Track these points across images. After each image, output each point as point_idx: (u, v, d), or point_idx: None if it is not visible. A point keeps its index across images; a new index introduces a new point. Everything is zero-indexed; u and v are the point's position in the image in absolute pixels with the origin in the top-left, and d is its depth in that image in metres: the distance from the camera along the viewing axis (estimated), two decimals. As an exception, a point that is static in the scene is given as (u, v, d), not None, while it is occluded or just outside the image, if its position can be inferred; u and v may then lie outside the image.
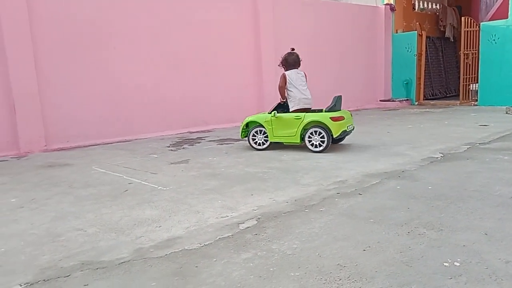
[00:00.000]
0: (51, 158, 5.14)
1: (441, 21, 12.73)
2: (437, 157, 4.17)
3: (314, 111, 4.95)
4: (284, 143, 5.04)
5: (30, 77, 5.62)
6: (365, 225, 2.41)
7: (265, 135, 4.97)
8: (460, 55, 10.22)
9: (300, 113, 4.82)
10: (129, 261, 2.05)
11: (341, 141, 5.10)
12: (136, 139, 6.49)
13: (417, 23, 11.14)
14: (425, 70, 11.06)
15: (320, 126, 4.64)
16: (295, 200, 2.93)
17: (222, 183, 3.51)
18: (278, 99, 5.17)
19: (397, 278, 1.77)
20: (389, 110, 9.82)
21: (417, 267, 1.86)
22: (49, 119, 5.84)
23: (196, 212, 2.77)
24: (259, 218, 2.59)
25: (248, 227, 2.45)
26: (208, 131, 7.23)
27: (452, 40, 12.87)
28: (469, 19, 9.89)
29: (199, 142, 5.96)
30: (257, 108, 8.34)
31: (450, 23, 12.72)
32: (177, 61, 7.13)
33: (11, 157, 5.35)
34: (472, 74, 10.04)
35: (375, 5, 10.78)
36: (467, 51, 9.88)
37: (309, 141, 4.72)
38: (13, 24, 5.45)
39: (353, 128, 5.05)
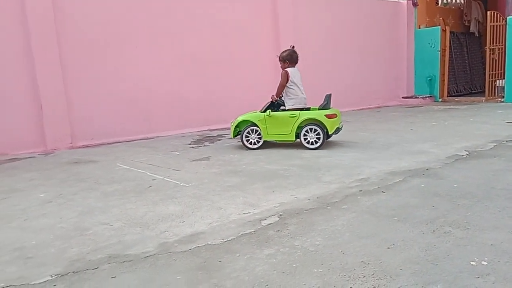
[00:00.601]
0: (76, 155, 5.27)
1: (466, 15, 12.40)
2: (463, 155, 4.08)
3: (302, 109, 4.92)
4: (277, 141, 5.05)
5: (56, 77, 5.78)
6: (388, 223, 2.38)
7: (258, 134, 4.92)
8: (485, 50, 9.94)
9: (294, 111, 4.84)
10: (154, 255, 2.09)
11: (329, 138, 5.00)
12: (158, 137, 6.59)
13: (441, 18, 10.90)
14: (449, 66, 10.81)
15: (315, 124, 4.73)
16: (317, 198, 2.92)
17: (244, 180, 3.53)
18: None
19: (422, 276, 1.74)
20: (412, 107, 9.65)
21: (443, 265, 1.83)
22: (74, 118, 6.00)
23: (218, 208, 2.80)
24: (281, 215, 2.60)
25: (270, 224, 2.46)
26: (228, 128, 7.26)
27: (477, 35, 12.53)
28: (495, 13, 9.61)
29: (219, 140, 6.01)
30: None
31: (475, 18, 12.38)
32: (197, 60, 7.19)
33: (39, 154, 5.51)
34: (498, 70, 9.76)
35: (397, 0, 10.60)
36: (493, 46, 9.61)
37: (305, 139, 4.76)
38: (39, 26, 5.61)
39: (343, 126, 5.09)
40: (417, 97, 10.59)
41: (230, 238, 2.26)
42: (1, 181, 3.94)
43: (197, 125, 7.21)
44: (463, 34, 12.19)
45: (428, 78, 10.66)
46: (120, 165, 4.46)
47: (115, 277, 1.88)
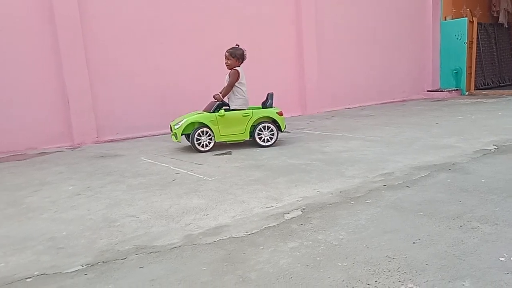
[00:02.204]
0: (102, 149, 5.41)
1: (494, 6, 11.99)
2: (491, 150, 3.97)
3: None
4: (227, 142, 4.95)
5: (82, 73, 5.92)
6: (414, 218, 2.35)
7: (208, 135, 4.71)
8: (515, 41, 9.59)
9: (247, 110, 4.83)
10: (180, 246, 2.14)
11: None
12: (181, 131, 6.66)
13: (468, 9, 10.57)
14: (476, 58, 10.49)
15: (269, 121, 4.82)
16: (340, 192, 2.91)
17: (266, 174, 3.54)
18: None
19: (449, 272, 1.72)
20: (437, 100, 9.42)
21: (470, 261, 1.80)
22: (100, 113, 6.14)
23: (241, 202, 2.83)
24: (303, 209, 2.60)
25: (293, 217, 2.47)
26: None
27: (507, 27, 12.10)
28: (526, 3, 9.24)
29: (241, 134, 6.03)
30: (300, 101, 8.31)
31: (505, 8, 11.95)
32: (221, 55, 7.21)
33: (66, 148, 5.68)
34: (529, 62, 9.40)
35: (422, -8, 10.34)
36: (523, 37, 9.25)
37: (259, 137, 4.79)
38: (66, 23, 5.75)
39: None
40: (442, 91, 10.33)
41: (253, 231, 2.28)
42: (32, 175, 4.09)
43: (219, 120, 7.25)
44: (492, 25, 11.78)
45: (454, 71, 10.38)
46: (145, 159, 4.55)
47: (142, 267, 1.93)
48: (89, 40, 6.00)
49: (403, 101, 9.92)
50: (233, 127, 4.76)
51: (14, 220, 2.74)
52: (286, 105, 8.14)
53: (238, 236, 2.23)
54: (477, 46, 10.55)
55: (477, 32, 10.49)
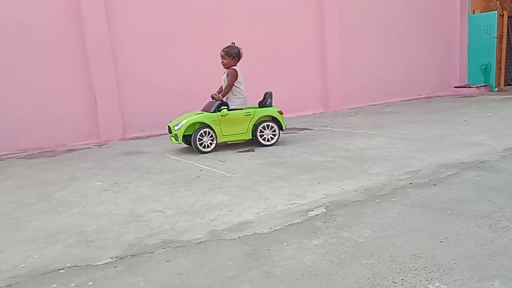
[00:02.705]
0: (128, 146, 5.53)
1: (527, -2, 11.52)
2: (522, 147, 3.84)
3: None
4: (228, 142, 4.85)
5: (109, 72, 6.07)
6: (441, 216, 2.31)
7: (210, 136, 4.59)
8: (549, 35, 9.22)
9: (249, 109, 4.78)
10: (205, 241, 2.17)
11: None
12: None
13: (498, 2, 10.21)
14: (506, 53, 10.14)
15: (271, 120, 4.79)
16: (365, 190, 2.88)
17: (289, 171, 3.54)
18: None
19: (478, 271, 1.69)
20: (465, 97, 9.17)
21: (500, 260, 1.76)
22: (126, 111, 6.28)
23: (265, 198, 2.84)
24: (327, 206, 2.59)
25: (317, 215, 2.46)
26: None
27: (540, 19, 11.61)
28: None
29: (264, 132, 6.04)
30: (322, 98, 8.25)
31: (538, 0, 11.47)
32: (245, 52, 7.23)
33: (93, 145, 5.84)
34: None
35: (449, -15, 10.07)
36: (558, 30, 8.89)
37: (261, 136, 4.75)
38: (93, 23, 5.91)
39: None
40: (470, 87, 10.04)
41: (277, 228, 2.29)
42: (61, 170, 4.23)
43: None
44: (523, 19, 11.35)
45: (483, 66, 10.07)
46: (169, 156, 4.63)
47: (169, 261, 1.97)
48: (115, 40, 6.13)
49: (429, 97, 9.70)
50: (235, 126, 4.69)
51: (45, 214, 2.84)
52: (308, 103, 8.12)
53: (262, 232, 2.25)
54: (507, 40, 10.20)
55: (508, 26, 10.13)
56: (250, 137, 4.80)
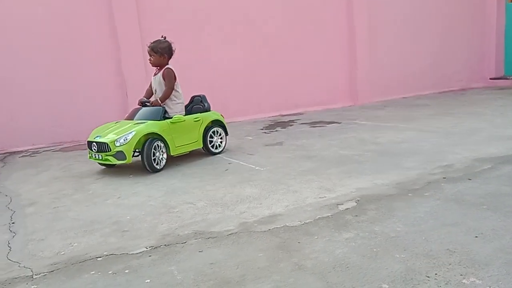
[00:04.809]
0: (158, 140, 5.64)
1: None
2: None
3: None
4: (175, 155, 3.96)
5: (140, 67, 6.19)
6: (476, 211, 2.25)
7: (161, 149, 3.76)
8: None
9: (198, 114, 4.15)
10: (236, 233, 2.20)
11: None
12: (231, 122, 6.77)
13: (538, -12, 9.71)
14: (546, 43, 9.65)
15: (218, 126, 4.30)
16: (396, 184, 2.84)
17: (318, 165, 3.53)
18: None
19: (516, 268, 1.64)
20: (501, 89, 8.80)
21: (541, 258, 1.70)
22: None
23: (294, 191, 2.85)
24: (358, 200, 2.57)
25: (347, 209, 2.45)
26: (300, 113, 7.26)
27: None
28: None
29: (291, 125, 6.03)
30: (350, 91, 8.13)
31: None
32: (269, 45, 7.24)
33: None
34: None
35: (485, -28, 9.65)
36: None
37: (211, 143, 4.21)
38: (124, 19, 6.05)
39: None
40: (507, 78, 9.61)
41: (307, 221, 2.30)
42: (95, 163, 4.34)
43: (269, 110, 7.29)
44: None
45: (521, 57, 9.62)
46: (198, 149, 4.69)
47: (202, 251, 2.02)
48: (146, 35, 6.24)
49: (463, 90, 9.37)
50: (187, 135, 3.98)
51: (82, 204, 2.96)
52: (336, 95, 8.02)
53: (292, 225, 2.26)
54: (548, 29, 9.69)
55: (548, 14, 9.63)
56: (201, 146, 4.16)
